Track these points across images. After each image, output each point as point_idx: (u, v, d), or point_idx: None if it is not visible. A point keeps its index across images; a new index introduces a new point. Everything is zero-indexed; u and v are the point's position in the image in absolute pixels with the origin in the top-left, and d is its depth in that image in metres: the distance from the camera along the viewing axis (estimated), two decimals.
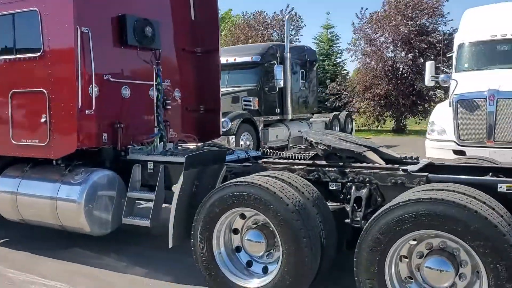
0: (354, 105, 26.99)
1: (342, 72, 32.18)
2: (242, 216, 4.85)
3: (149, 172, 6.20)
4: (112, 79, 6.23)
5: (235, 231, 4.92)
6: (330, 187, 5.07)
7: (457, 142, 9.79)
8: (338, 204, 5.00)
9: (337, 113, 23.30)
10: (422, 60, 24.91)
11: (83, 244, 6.72)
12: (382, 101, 25.90)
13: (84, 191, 5.83)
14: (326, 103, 28.06)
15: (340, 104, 27.49)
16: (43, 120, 5.82)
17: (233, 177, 5.54)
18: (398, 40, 25.20)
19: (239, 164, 5.72)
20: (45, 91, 5.79)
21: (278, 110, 17.12)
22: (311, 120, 21.21)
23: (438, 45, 24.89)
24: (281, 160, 5.49)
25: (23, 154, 6.12)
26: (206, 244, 4.79)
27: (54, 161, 6.39)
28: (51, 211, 6.02)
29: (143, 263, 6.05)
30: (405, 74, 25.65)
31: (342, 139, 5.56)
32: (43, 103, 5.80)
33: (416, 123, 28.39)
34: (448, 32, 25.51)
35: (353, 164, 5.01)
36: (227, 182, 4.78)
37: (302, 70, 20.38)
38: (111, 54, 6.35)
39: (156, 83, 6.81)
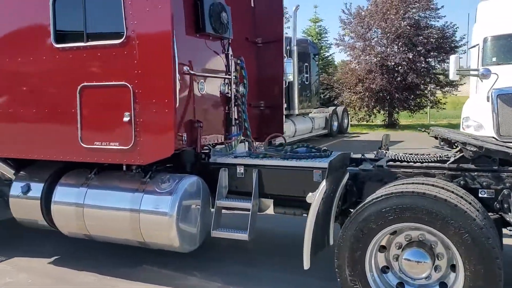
0: (345, 98, 26.59)
1: (330, 66, 31.76)
2: (393, 232, 4.16)
3: (238, 177, 5.42)
4: (191, 72, 5.38)
5: (381, 249, 4.22)
6: (480, 194, 4.44)
7: (496, 137, 9.48)
8: (493, 214, 4.39)
9: (335, 107, 22.87)
10: (412, 54, 24.79)
11: (150, 261, 5.85)
12: (375, 95, 25.61)
13: (176, 201, 4.97)
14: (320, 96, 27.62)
15: (332, 97, 27.06)
16: (126, 119, 4.91)
17: (355, 184, 4.85)
18: (392, 34, 24.92)
19: (358, 168, 5.00)
20: (129, 85, 4.89)
21: (285, 105, 16.47)
22: (311, 115, 20.70)
23: (431, 39, 24.84)
24: (413, 164, 4.80)
25: (96, 160, 5.19)
26: (356, 267, 4.06)
27: (124, 167, 5.51)
28: (131, 226, 5.13)
29: (241, 283, 5.25)
30: (397, 68, 25.42)
31: (475, 139, 4.94)
32: (126, 99, 4.90)
33: (410, 117, 28.30)
34: (441, 27, 25.52)
35: (510, 168, 4.40)
36: (383, 193, 4.05)
37: (306, 64, 19.80)
38: (187, 43, 5.47)
39: (233, 76, 6.02)
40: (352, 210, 5.00)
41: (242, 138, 6.10)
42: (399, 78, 25.39)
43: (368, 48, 25.83)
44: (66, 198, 5.50)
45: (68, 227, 5.61)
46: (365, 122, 28.10)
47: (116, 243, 5.56)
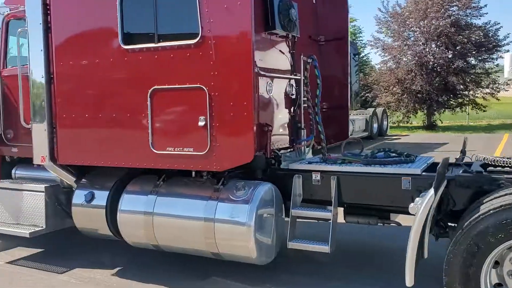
0: (382, 99, 25.96)
1: (366, 66, 31.16)
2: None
3: (314, 185, 5.06)
4: (261, 72, 5.07)
5: (494, 264, 3.80)
6: None
7: None
8: None
9: (374, 109, 22.32)
10: (452, 53, 24.06)
11: (219, 272, 5.54)
12: (415, 97, 24.95)
13: (253, 210, 4.67)
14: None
15: (369, 98, 26.47)
16: (201, 123, 4.63)
17: (452, 192, 4.44)
18: (431, 34, 24.23)
19: (455, 175, 4.57)
20: (204, 88, 4.60)
21: None
22: (351, 117, 20.20)
23: (472, 39, 24.05)
24: None
25: (169, 166, 4.92)
26: (470, 284, 3.66)
27: (193, 173, 5.24)
28: (205, 236, 4.84)
29: None
30: (436, 68, 24.70)
31: None
32: (201, 102, 4.61)
33: (452, 114, 27.48)
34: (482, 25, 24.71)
35: None
36: (502, 203, 3.64)
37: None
38: (258, 41, 5.15)
39: (303, 76, 5.68)
40: (445, 221, 4.62)
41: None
42: (438, 78, 24.69)
43: (405, 47, 25.21)
44: (134, 207, 5.26)
45: (135, 237, 5.36)
46: (402, 124, 27.42)
47: (185, 253, 5.28)
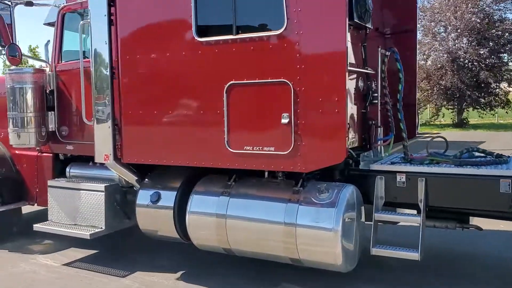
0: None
1: None
2: None
3: (398, 187, 4.73)
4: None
5: None
6: None
7: None
8: None
9: None
10: (484, 49, 23.43)
11: (289, 278, 5.25)
12: (444, 93, 24.38)
13: (340, 214, 4.35)
14: None
15: None
16: (284, 121, 4.32)
17: None
18: (463, 29, 23.63)
19: None
20: (289, 82, 4.29)
21: None
22: None
23: (506, 33, 23.41)
24: None
25: (246, 166, 4.62)
26: None
27: (266, 173, 4.94)
28: (285, 241, 4.55)
29: None
30: (467, 65, 24.10)
31: None
32: (285, 98, 4.31)
33: (480, 116, 26.84)
34: None
35: None
36: None
37: None
38: None
39: (380, 70, 5.34)
40: None
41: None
42: (469, 75, 24.08)
43: (436, 42, 24.64)
44: (204, 208, 4.98)
45: (205, 240, 5.09)
46: (433, 122, 26.85)
47: (258, 258, 4.99)
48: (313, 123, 4.23)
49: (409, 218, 4.63)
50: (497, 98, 25.54)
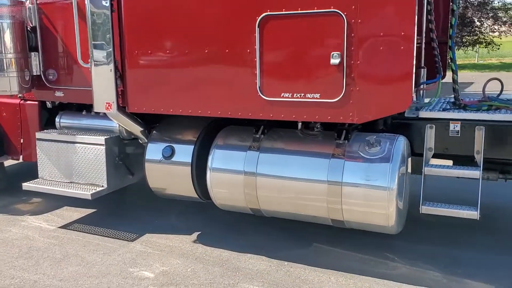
0: None
1: None
2: None
3: (452, 137, 4.15)
4: None
5: None
6: None
7: None
8: None
9: None
10: None
11: (320, 239, 4.74)
12: None
13: (395, 170, 3.78)
14: None
15: None
16: (334, 61, 3.59)
17: None
18: None
19: None
20: (341, 13, 3.53)
21: None
22: None
23: None
24: None
25: (284, 117, 3.90)
26: None
27: (299, 124, 4.28)
28: (328, 201, 3.96)
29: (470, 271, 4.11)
30: None
31: None
32: (336, 33, 3.56)
33: (464, 54, 26.38)
34: None
35: None
36: None
37: None
38: None
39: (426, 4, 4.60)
40: None
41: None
42: None
43: None
44: (229, 165, 4.32)
45: (230, 200, 4.46)
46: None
47: (290, 219, 4.42)
48: (371, 65, 3.52)
49: (467, 172, 4.06)
50: (481, 37, 25.07)
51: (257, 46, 3.82)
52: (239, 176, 4.24)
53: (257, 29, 3.79)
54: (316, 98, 3.72)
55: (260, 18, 3.78)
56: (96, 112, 5.16)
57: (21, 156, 5.90)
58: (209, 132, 4.62)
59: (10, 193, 6.20)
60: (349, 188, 3.86)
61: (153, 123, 5.02)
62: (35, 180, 5.33)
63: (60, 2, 5.03)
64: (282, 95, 3.83)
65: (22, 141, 5.81)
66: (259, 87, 3.89)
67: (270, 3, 3.74)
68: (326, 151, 4.01)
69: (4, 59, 5.12)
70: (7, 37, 5.10)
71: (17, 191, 5.92)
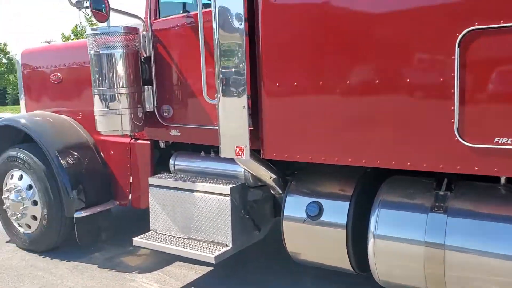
0: None
1: None
2: None
3: None
4: None
5: None
6: None
7: None
8: None
9: None
10: None
11: None
12: None
13: None
14: None
15: None
16: None
17: None
18: None
19: None
20: None
21: None
22: None
23: None
24: None
25: (497, 172, 2.76)
26: None
27: (502, 178, 3.09)
28: None
29: None
30: None
31: None
32: None
33: None
34: None
35: None
36: None
37: None
38: None
39: None
40: None
41: None
42: None
43: None
44: (403, 232, 3.22)
45: (401, 277, 3.35)
46: None
47: None
48: None
49: None
50: None
51: (456, 73, 2.74)
52: (418, 247, 3.13)
53: (456, 49, 2.72)
54: None
55: (462, 34, 2.70)
56: (215, 153, 4.35)
57: (130, 202, 5.22)
58: (366, 184, 3.59)
59: (116, 242, 5.53)
60: None
61: (283, 168, 4.11)
62: (147, 234, 4.58)
63: (180, 28, 4.30)
64: (495, 140, 2.70)
65: (131, 185, 5.13)
66: (457, 129, 2.79)
67: (477, 13, 2.66)
68: None
69: (116, 94, 4.46)
70: (120, 69, 4.44)
71: (122, 239, 5.24)
